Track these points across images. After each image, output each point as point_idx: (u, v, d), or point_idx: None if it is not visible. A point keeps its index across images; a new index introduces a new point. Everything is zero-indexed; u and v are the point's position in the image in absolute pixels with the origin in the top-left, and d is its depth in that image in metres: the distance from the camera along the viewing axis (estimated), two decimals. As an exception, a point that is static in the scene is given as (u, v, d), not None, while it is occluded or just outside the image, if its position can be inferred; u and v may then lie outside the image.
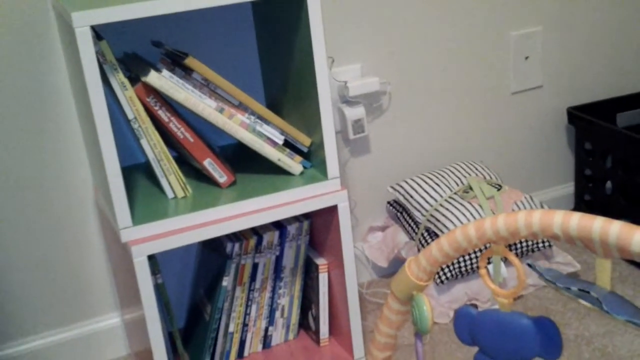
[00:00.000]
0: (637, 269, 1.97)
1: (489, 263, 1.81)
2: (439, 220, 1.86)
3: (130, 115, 1.45)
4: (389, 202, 2.05)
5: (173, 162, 1.51)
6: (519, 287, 1.13)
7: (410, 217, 1.96)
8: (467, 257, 1.83)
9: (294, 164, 1.59)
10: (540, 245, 1.90)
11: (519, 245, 1.87)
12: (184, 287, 1.85)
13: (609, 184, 2.16)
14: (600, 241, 0.97)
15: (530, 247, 1.89)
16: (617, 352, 1.67)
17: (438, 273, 1.84)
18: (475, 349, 1.20)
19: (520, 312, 1.15)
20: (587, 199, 2.26)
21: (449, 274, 1.83)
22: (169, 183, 1.53)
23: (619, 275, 1.94)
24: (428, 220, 1.88)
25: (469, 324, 1.19)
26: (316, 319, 1.74)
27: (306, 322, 1.80)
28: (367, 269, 2.08)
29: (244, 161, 1.68)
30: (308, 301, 1.76)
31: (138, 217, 1.45)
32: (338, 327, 1.72)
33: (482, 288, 1.85)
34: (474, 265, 1.82)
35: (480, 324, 1.17)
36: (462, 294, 1.86)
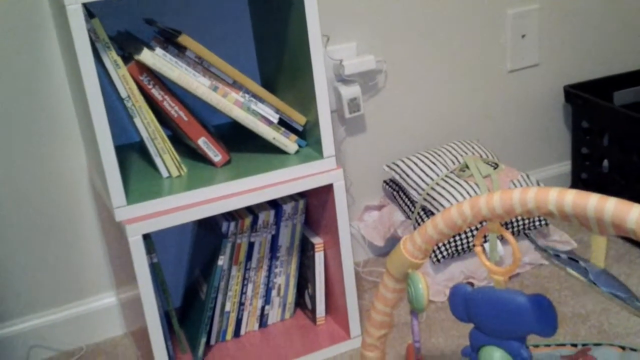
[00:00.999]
0: (634, 247, 1.97)
1: (485, 241, 1.81)
2: (435, 199, 1.85)
3: (123, 94, 1.44)
4: (385, 181, 2.04)
5: (167, 140, 1.50)
6: (514, 264, 1.13)
7: (407, 196, 1.96)
8: (463, 236, 1.83)
9: (289, 143, 1.58)
10: (537, 223, 1.90)
11: (515, 224, 1.87)
12: (180, 267, 1.85)
13: (605, 163, 2.16)
14: (596, 218, 0.97)
15: (526, 225, 1.88)
16: (613, 329, 1.67)
17: (434, 251, 1.83)
18: (471, 326, 1.19)
19: (516, 289, 1.14)
20: (583, 178, 2.25)
21: (445, 253, 1.82)
22: (164, 162, 1.52)
23: (615, 253, 1.94)
24: (424, 199, 1.88)
25: (464, 301, 1.18)
26: (312, 298, 1.73)
27: (302, 301, 1.80)
28: (363, 248, 2.07)
29: (238, 140, 1.67)
30: (304, 280, 1.76)
31: (132, 196, 1.45)
32: (334, 305, 1.72)
33: (479, 267, 1.85)
34: (471, 244, 1.82)
35: (475, 301, 1.17)
36: (458, 273, 1.86)
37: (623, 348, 1.54)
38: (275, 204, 1.66)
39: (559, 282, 1.83)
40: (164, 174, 1.53)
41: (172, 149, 1.51)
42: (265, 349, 1.69)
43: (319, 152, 1.56)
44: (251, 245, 1.66)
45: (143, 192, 1.46)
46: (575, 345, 1.58)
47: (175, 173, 1.53)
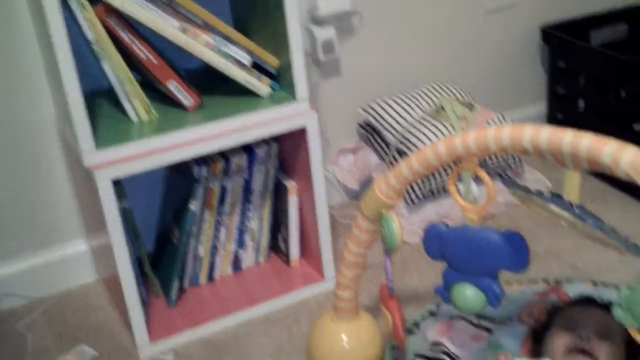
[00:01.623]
0: (608, 186, 1.98)
1: (459, 181, 1.80)
2: (410, 141, 1.84)
3: (90, 37, 1.40)
4: (359, 124, 2.02)
5: (137, 84, 1.47)
6: (489, 203, 1.12)
7: (382, 139, 1.94)
8: (437, 176, 1.82)
9: (261, 86, 1.55)
10: (511, 162, 1.90)
11: (489, 163, 1.86)
12: (152, 212, 1.83)
13: (581, 102, 2.15)
14: (571, 153, 0.96)
15: (500, 165, 1.88)
16: (585, 267, 1.69)
17: (409, 193, 1.83)
18: (445, 266, 1.19)
19: (489, 227, 1.14)
20: (559, 118, 2.25)
21: (419, 194, 1.82)
22: (133, 106, 1.49)
23: (590, 192, 1.94)
24: (399, 142, 1.86)
25: (438, 240, 1.18)
26: (286, 241, 1.73)
27: (277, 245, 1.79)
28: (338, 191, 2.07)
29: (210, 84, 1.64)
30: (278, 224, 1.75)
31: (101, 141, 1.42)
32: (309, 248, 1.72)
33: (453, 207, 1.85)
34: (445, 185, 1.81)
35: (449, 240, 1.17)
36: (432, 213, 1.86)
37: (595, 284, 1.55)
38: (248, 149, 1.64)
39: (532, 221, 1.84)
40: (134, 118, 1.50)
41: (142, 93, 1.48)
42: (239, 292, 1.69)
43: (292, 95, 1.53)
44: (224, 190, 1.64)
45: (112, 137, 1.44)
46: (547, 282, 1.59)
47: (145, 118, 1.50)
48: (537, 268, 1.70)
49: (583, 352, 1.19)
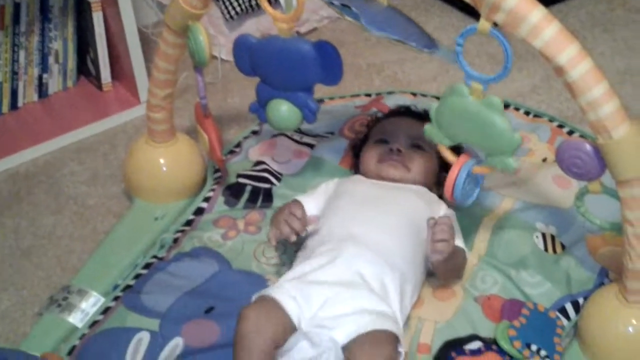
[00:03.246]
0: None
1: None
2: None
3: None
4: None
5: None
6: (299, 9, 1.05)
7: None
8: (257, -10, 1.72)
9: None
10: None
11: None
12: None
13: None
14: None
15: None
16: (406, 78, 1.68)
17: (227, 7, 1.72)
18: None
19: (300, 37, 1.08)
20: None
21: (238, 9, 1.72)
22: None
23: (412, 1, 1.92)
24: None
25: (249, 52, 1.10)
26: (95, 63, 1.60)
27: (86, 68, 1.66)
28: (153, 9, 1.92)
29: None
30: (85, 45, 1.61)
31: None
32: (121, 70, 1.60)
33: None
34: (264, -2, 1.72)
35: (260, 52, 1.09)
36: (253, 30, 1.77)
37: (415, 94, 1.55)
38: (42, -41, 1.47)
39: (355, 35, 1.80)
40: None
41: None
42: (47, 119, 1.57)
43: None
44: (17, 7, 1.47)
45: None
46: (369, 95, 1.58)
47: None
48: (359, 82, 1.68)
49: (394, 161, 1.18)
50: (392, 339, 0.96)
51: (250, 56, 1.10)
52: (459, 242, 1.10)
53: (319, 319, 0.97)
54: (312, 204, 1.16)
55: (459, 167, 1.03)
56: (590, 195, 1.00)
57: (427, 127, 1.03)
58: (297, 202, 1.12)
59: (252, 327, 0.94)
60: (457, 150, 1.07)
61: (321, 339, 0.95)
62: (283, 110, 1.12)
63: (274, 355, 0.95)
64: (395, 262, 1.04)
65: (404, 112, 1.32)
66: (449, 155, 1.05)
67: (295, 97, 1.11)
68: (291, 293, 0.98)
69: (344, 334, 0.95)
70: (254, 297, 1.01)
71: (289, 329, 0.96)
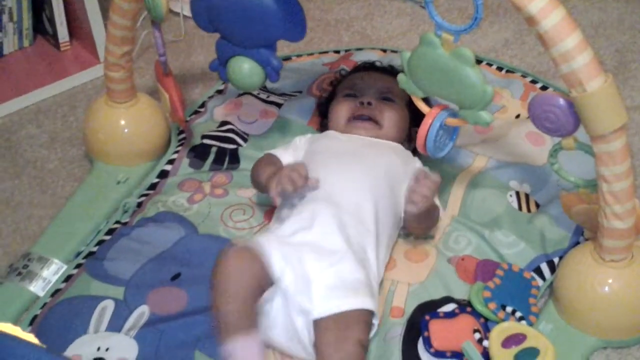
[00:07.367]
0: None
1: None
2: None
3: None
4: None
5: None
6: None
7: None
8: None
9: None
10: None
11: None
12: None
13: None
14: None
15: None
16: (375, 33, 1.64)
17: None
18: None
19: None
20: None
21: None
22: None
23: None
24: None
25: (206, 5, 1.05)
26: (52, 21, 1.54)
27: (42, 27, 1.59)
28: (112, -37, 1.85)
29: None
30: (41, 2, 1.55)
31: None
32: (79, 28, 1.54)
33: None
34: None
35: (220, 7, 1.04)
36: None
37: (384, 51, 1.51)
38: None
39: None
40: None
41: None
42: (2, 81, 1.52)
43: None
44: (-34, -38, 1.40)
45: None
46: (337, 52, 1.53)
47: None
48: (328, 38, 1.63)
49: (364, 117, 1.14)
50: (365, 316, 0.94)
51: (207, 9, 1.04)
52: (435, 199, 1.07)
53: (297, 285, 0.94)
54: (290, 159, 1.12)
55: (433, 117, 0.99)
56: (564, 151, 0.97)
57: (401, 77, 0.99)
58: (300, 164, 1.05)
59: (236, 267, 0.92)
60: (429, 104, 1.04)
61: (294, 305, 0.94)
62: (245, 68, 1.07)
63: (254, 304, 0.93)
64: (371, 223, 1.02)
65: (369, 67, 1.28)
66: (422, 106, 1.01)
67: (257, 54, 1.06)
68: (277, 247, 0.96)
69: (317, 310, 0.93)
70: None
71: (269, 281, 0.94)
